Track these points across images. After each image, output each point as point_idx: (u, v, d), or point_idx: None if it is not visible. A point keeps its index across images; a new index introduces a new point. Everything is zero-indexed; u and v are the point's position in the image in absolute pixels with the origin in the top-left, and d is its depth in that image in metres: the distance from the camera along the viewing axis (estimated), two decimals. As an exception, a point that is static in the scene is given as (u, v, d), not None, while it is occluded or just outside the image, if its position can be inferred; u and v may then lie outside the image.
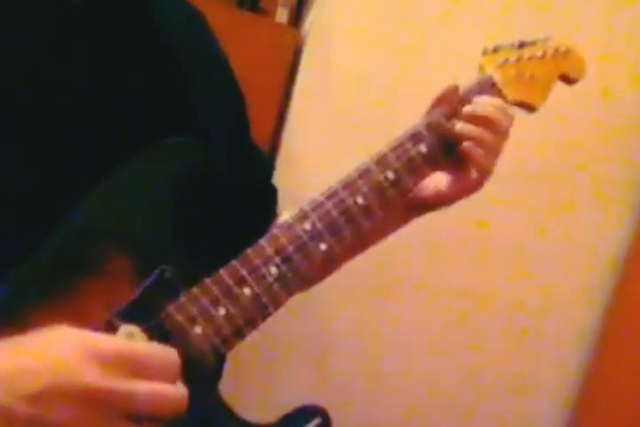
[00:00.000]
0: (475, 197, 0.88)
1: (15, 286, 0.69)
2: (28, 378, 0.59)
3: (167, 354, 0.66)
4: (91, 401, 0.59)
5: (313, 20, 1.74)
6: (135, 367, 0.62)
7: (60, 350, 0.61)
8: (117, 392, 0.60)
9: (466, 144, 0.85)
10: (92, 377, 0.59)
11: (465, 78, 0.90)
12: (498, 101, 0.87)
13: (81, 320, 0.67)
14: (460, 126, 0.85)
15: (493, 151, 0.86)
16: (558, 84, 0.96)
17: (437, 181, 0.86)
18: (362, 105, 1.71)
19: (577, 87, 0.97)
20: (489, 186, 0.89)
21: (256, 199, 0.94)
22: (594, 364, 1.80)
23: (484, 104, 0.86)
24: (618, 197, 1.79)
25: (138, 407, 0.61)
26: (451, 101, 0.87)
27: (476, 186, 0.88)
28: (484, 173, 0.87)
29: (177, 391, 0.64)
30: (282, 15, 1.75)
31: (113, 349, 0.62)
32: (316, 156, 1.72)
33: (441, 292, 1.78)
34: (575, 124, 1.74)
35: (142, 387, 0.61)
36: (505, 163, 0.91)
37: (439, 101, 0.88)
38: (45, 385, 0.59)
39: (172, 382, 0.64)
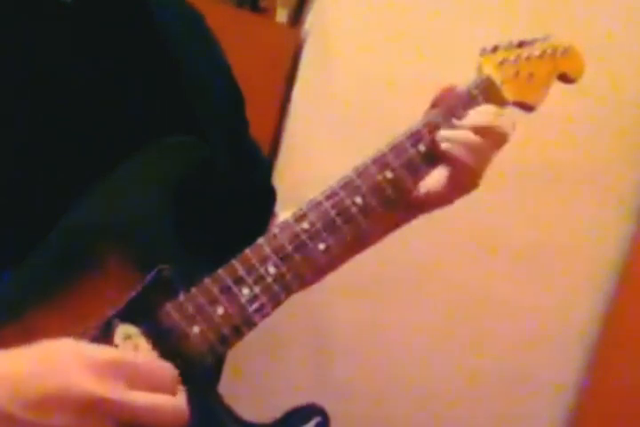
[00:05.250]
0: (475, 197, 0.88)
1: (15, 285, 0.69)
2: (28, 385, 0.60)
3: (165, 366, 0.66)
4: (87, 409, 0.60)
5: (313, 20, 1.74)
6: (134, 378, 0.62)
7: (59, 359, 0.62)
8: (113, 401, 0.60)
9: (444, 146, 0.85)
10: (90, 386, 0.60)
11: (464, 77, 0.90)
12: (489, 109, 0.87)
13: (81, 319, 0.67)
14: (441, 134, 0.85)
15: (482, 155, 0.86)
16: (560, 83, 0.96)
17: (434, 180, 0.86)
18: (362, 105, 1.71)
19: (578, 86, 0.97)
20: (490, 186, 0.89)
21: (255, 199, 0.94)
22: (594, 364, 1.80)
23: (475, 114, 0.86)
24: (620, 196, 1.79)
25: (135, 417, 0.62)
26: (449, 101, 0.87)
27: (467, 187, 0.87)
28: (470, 175, 0.86)
29: (176, 404, 0.64)
30: (282, 15, 1.75)
31: (111, 359, 0.63)
32: (316, 155, 1.72)
33: (441, 292, 1.78)
34: (578, 125, 1.74)
35: (140, 397, 0.62)
36: (506, 163, 0.91)
37: (437, 102, 0.88)
38: (45, 393, 0.60)
39: (172, 394, 0.65)
